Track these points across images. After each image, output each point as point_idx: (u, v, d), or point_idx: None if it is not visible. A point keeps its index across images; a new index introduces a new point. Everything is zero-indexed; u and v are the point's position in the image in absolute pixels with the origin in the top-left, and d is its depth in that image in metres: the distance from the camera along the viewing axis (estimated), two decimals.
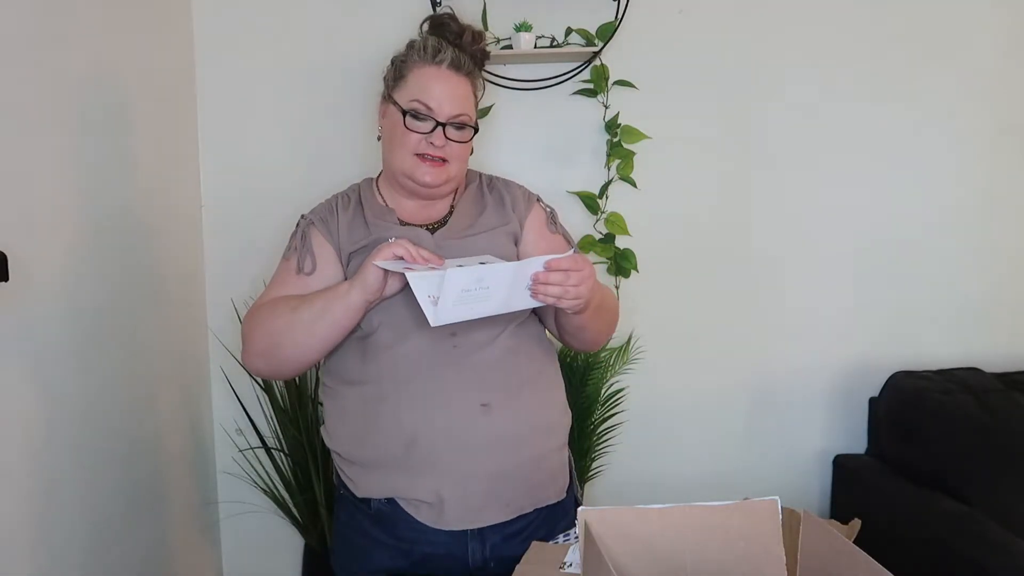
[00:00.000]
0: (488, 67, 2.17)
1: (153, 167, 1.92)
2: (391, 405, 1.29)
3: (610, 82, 2.16)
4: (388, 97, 1.40)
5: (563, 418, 1.42)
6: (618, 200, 2.21)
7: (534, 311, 1.42)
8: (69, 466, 1.52)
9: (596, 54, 2.14)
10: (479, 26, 1.48)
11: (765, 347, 2.35)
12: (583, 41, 2.14)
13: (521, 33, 2.07)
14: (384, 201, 1.42)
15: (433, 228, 1.40)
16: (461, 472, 1.28)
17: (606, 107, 2.18)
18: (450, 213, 1.43)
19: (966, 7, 2.26)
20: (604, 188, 2.21)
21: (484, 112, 2.15)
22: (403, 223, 1.39)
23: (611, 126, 2.17)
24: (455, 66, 1.36)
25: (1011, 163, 2.34)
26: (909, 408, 2.13)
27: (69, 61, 1.56)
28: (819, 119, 2.27)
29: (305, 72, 2.18)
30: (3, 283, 1.20)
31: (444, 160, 1.35)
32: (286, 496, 2.15)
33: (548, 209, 1.49)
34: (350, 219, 1.39)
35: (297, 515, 2.14)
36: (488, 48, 1.46)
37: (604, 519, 0.94)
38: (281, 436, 2.11)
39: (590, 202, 2.20)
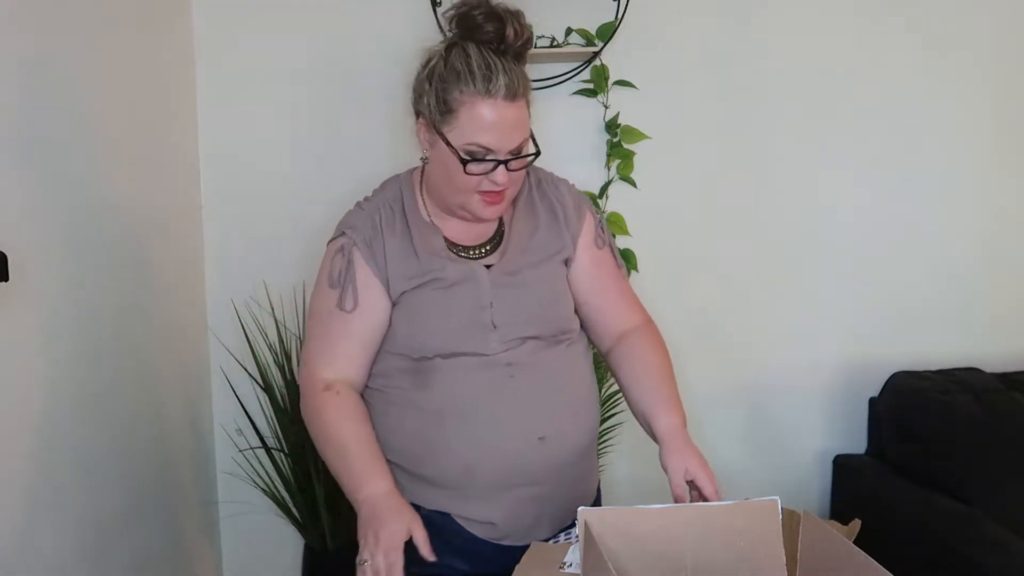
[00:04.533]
0: None
1: (153, 167, 1.91)
2: (449, 433, 1.27)
3: (610, 82, 2.16)
4: (435, 128, 1.23)
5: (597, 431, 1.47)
6: (618, 200, 2.21)
7: (579, 318, 1.42)
8: (69, 466, 1.52)
9: (596, 54, 2.14)
10: (514, 6, 1.22)
11: (765, 347, 2.35)
12: (583, 41, 2.14)
13: None
14: (428, 214, 1.34)
15: (486, 252, 1.33)
16: (515, 500, 1.29)
17: (606, 107, 2.18)
18: (500, 225, 1.36)
19: (966, 7, 2.26)
20: (604, 188, 2.21)
21: None
22: (450, 244, 1.32)
23: (611, 126, 2.17)
24: (511, 94, 1.19)
25: (1012, 163, 2.33)
26: (909, 408, 2.13)
27: (68, 60, 1.55)
28: (819, 118, 2.27)
29: (305, 72, 2.17)
30: (3, 283, 1.20)
31: (503, 189, 1.25)
32: (286, 496, 2.15)
33: (597, 218, 1.43)
34: (398, 245, 1.29)
35: (297, 515, 2.14)
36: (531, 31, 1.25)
37: (604, 519, 0.95)
38: (281, 436, 2.11)
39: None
